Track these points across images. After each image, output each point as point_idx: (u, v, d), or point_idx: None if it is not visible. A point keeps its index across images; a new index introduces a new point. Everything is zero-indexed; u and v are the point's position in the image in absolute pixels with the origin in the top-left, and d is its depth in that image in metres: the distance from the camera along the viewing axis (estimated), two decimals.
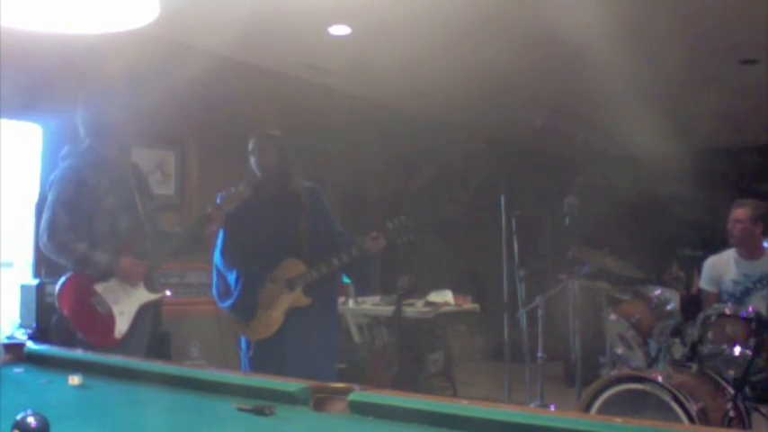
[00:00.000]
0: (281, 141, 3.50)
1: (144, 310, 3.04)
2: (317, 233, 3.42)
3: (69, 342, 2.86)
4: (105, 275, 2.96)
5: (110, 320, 2.94)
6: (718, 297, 4.17)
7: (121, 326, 2.95)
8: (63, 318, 2.97)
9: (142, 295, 3.03)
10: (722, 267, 4.19)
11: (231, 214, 3.30)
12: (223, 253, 3.44)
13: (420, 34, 4.84)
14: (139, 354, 2.91)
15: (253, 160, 3.45)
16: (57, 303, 3.01)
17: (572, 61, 5.26)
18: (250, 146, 3.47)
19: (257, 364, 3.34)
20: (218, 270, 3.45)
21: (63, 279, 2.99)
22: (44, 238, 2.92)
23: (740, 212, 4.05)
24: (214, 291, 3.48)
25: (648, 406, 3.26)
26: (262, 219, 3.39)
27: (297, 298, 3.31)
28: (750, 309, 3.59)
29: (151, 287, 3.08)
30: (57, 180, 2.99)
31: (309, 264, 3.33)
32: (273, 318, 3.30)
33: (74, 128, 3.14)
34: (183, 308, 4.37)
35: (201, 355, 4.57)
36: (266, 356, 3.32)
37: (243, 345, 3.46)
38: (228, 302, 3.39)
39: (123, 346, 2.91)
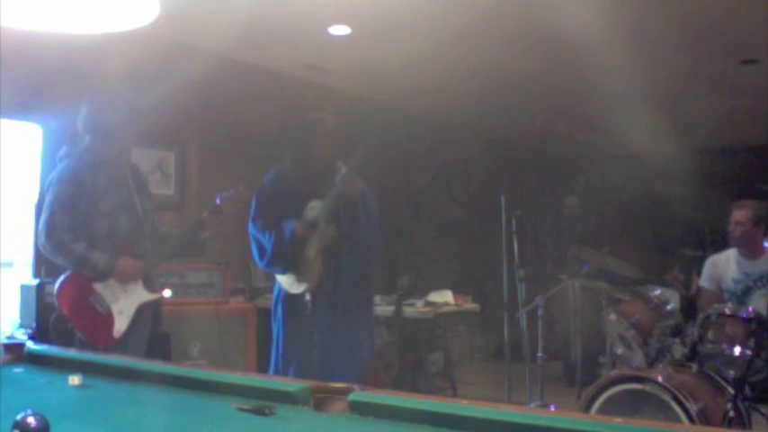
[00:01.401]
0: (340, 129, 3.56)
1: (143, 310, 3.04)
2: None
3: (68, 341, 2.87)
4: (103, 276, 2.96)
5: (108, 320, 2.94)
6: (717, 295, 4.17)
7: (120, 325, 2.95)
8: (62, 317, 2.98)
9: (141, 295, 3.04)
10: (723, 266, 4.19)
11: (267, 183, 3.44)
12: (255, 218, 3.49)
13: (420, 34, 4.83)
14: (139, 353, 2.92)
15: (307, 141, 3.47)
16: (56, 302, 3.01)
17: (572, 61, 5.26)
18: (307, 126, 3.50)
19: (315, 322, 3.35)
20: (253, 236, 3.50)
21: (62, 278, 2.99)
22: (42, 239, 2.92)
23: (740, 214, 4.05)
24: (255, 253, 3.51)
25: (648, 406, 3.26)
26: (296, 192, 3.43)
27: (324, 232, 3.35)
28: (750, 309, 3.59)
29: (150, 287, 3.08)
30: (54, 181, 2.99)
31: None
32: (311, 259, 3.35)
33: (73, 128, 3.15)
34: (182, 308, 4.37)
35: (201, 355, 4.57)
36: (323, 312, 3.36)
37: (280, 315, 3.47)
38: (266, 260, 3.45)
39: (122, 345, 2.92)
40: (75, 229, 2.93)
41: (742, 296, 4.05)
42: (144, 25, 2.59)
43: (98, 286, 2.96)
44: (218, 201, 3.26)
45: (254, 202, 3.51)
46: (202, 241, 3.29)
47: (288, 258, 3.39)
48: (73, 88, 4.08)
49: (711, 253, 4.39)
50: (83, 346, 2.84)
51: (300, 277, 3.40)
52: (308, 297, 3.36)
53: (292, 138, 3.55)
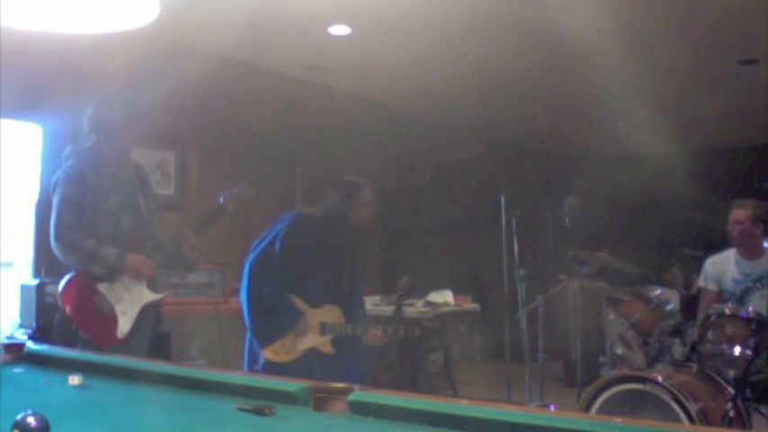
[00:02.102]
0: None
1: (146, 310, 3.04)
2: (356, 283, 3.50)
3: (72, 342, 2.87)
4: (112, 272, 2.95)
5: (112, 320, 2.94)
6: (719, 295, 4.17)
7: (124, 326, 2.95)
8: (66, 317, 2.98)
9: (145, 295, 3.04)
10: (723, 266, 4.19)
11: (295, 235, 3.31)
12: (269, 270, 3.32)
13: (420, 34, 4.83)
14: (141, 353, 2.92)
15: (352, 208, 3.44)
16: (59, 303, 3.01)
17: (572, 61, 5.26)
18: (354, 191, 3.47)
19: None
20: (252, 277, 3.34)
21: (65, 279, 2.99)
22: (51, 239, 2.93)
23: (740, 213, 4.05)
24: (244, 298, 3.37)
25: (648, 406, 3.26)
26: (324, 255, 3.38)
27: (324, 343, 3.33)
28: (750, 309, 3.59)
29: (154, 287, 3.08)
30: (61, 180, 3.00)
31: (346, 313, 3.38)
32: (296, 350, 3.29)
33: (74, 128, 3.15)
34: (182, 308, 4.37)
35: (201, 355, 4.57)
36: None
37: (258, 357, 3.40)
38: (257, 319, 3.33)
39: (125, 345, 2.92)
40: (83, 227, 2.93)
41: (741, 296, 4.05)
42: (144, 25, 2.59)
43: (102, 287, 2.96)
44: (221, 200, 3.25)
45: (279, 248, 3.31)
46: (191, 261, 3.27)
47: (275, 336, 3.30)
48: (73, 88, 4.09)
49: (711, 253, 4.38)
50: (84, 346, 2.84)
51: (278, 349, 3.30)
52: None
53: (331, 194, 3.47)
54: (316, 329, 3.32)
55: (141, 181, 3.21)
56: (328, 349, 3.33)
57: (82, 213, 2.94)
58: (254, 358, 3.37)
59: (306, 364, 3.25)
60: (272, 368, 3.22)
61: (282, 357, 3.28)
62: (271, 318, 3.29)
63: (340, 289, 3.40)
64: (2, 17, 2.28)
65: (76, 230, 2.91)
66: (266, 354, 3.30)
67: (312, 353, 3.31)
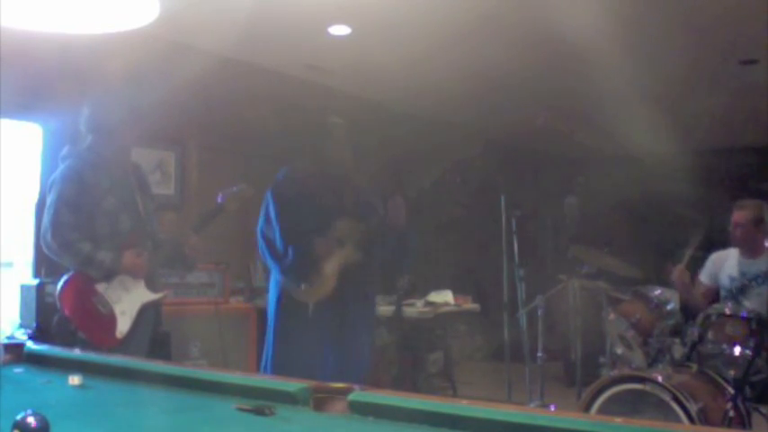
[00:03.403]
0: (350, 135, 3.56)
1: (145, 310, 3.04)
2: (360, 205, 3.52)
3: (70, 342, 2.86)
4: (108, 275, 2.95)
5: (111, 320, 2.94)
6: (712, 291, 4.18)
7: (123, 326, 2.95)
8: (64, 318, 2.97)
9: (143, 295, 3.03)
10: (723, 263, 4.20)
11: (281, 184, 3.38)
12: (274, 222, 3.42)
13: (420, 34, 4.83)
14: (141, 353, 2.91)
15: (323, 147, 3.48)
16: (58, 303, 3.01)
17: (572, 61, 5.26)
18: (324, 129, 3.51)
19: (315, 327, 3.34)
20: (266, 238, 3.46)
21: (64, 279, 2.99)
22: (47, 238, 2.91)
23: (740, 216, 4.05)
24: (266, 255, 3.47)
25: (648, 406, 3.26)
26: (315, 199, 3.42)
27: (347, 254, 3.34)
28: (750, 309, 3.59)
29: (152, 287, 3.08)
30: (57, 180, 2.99)
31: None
32: (327, 275, 3.33)
33: (75, 128, 3.15)
34: (183, 308, 4.37)
35: (201, 355, 4.57)
36: (326, 317, 3.34)
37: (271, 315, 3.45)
38: (281, 267, 3.41)
39: (124, 345, 2.92)
40: (79, 228, 2.93)
41: (737, 294, 4.06)
42: (144, 25, 2.58)
43: (100, 287, 2.95)
44: (220, 199, 3.24)
45: (270, 204, 3.46)
46: (192, 261, 3.28)
47: (304, 273, 3.36)
48: (73, 88, 4.08)
49: (711, 253, 4.38)
50: (84, 347, 2.84)
51: (309, 289, 3.36)
52: (310, 305, 3.35)
53: (308, 139, 3.52)
54: (334, 246, 3.34)
55: (139, 181, 3.21)
56: (355, 256, 3.35)
57: (79, 214, 2.93)
58: (297, 310, 3.37)
59: (348, 289, 3.31)
60: (319, 309, 3.26)
61: (322, 291, 3.32)
62: (290, 258, 3.37)
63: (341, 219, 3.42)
64: (2, 17, 2.28)
65: (73, 231, 2.91)
66: (307, 297, 3.33)
67: (347, 277, 3.32)
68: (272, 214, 3.45)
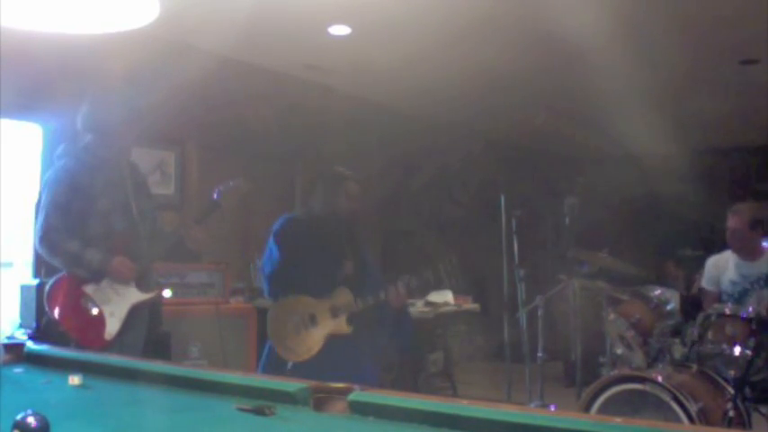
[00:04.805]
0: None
1: (136, 311, 3.01)
2: (363, 265, 3.47)
3: (62, 343, 2.86)
4: (97, 275, 2.94)
5: (99, 322, 2.92)
6: (719, 297, 4.17)
7: (111, 327, 2.93)
8: (53, 320, 2.97)
9: (133, 295, 3.01)
10: (722, 267, 4.19)
11: (289, 235, 3.30)
12: (275, 273, 3.35)
13: (420, 34, 4.83)
14: (135, 354, 2.90)
15: (336, 201, 3.41)
16: (45, 305, 2.99)
17: (572, 61, 5.26)
18: (336, 181, 3.44)
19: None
20: (267, 276, 3.40)
21: (52, 281, 2.98)
22: (36, 240, 2.93)
23: (735, 220, 4.04)
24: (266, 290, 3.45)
25: (648, 406, 3.26)
26: (321, 247, 3.36)
27: (339, 325, 3.29)
28: (750, 309, 3.59)
29: (143, 287, 3.06)
30: (51, 181, 2.99)
31: (357, 294, 3.34)
32: (314, 340, 3.26)
33: (74, 127, 3.14)
34: (182, 308, 4.36)
35: (201, 355, 4.56)
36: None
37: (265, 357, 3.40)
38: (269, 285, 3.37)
39: (118, 346, 2.90)
40: (70, 230, 2.92)
41: (739, 298, 4.05)
42: (144, 25, 2.58)
43: (88, 288, 2.94)
44: (215, 195, 3.22)
45: (276, 250, 3.34)
46: (195, 251, 3.27)
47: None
48: (73, 88, 4.07)
49: (711, 253, 4.38)
50: (77, 347, 2.83)
51: (288, 349, 3.27)
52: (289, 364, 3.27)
53: (321, 186, 3.46)
54: (327, 315, 3.29)
55: (137, 182, 3.19)
56: (345, 329, 3.28)
57: (69, 216, 2.93)
58: (277, 365, 3.31)
59: (330, 355, 3.22)
60: (301, 369, 3.16)
61: (304, 356, 3.25)
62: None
63: (341, 276, 3.37)
64: (2, 17, 2.28)
65: (61, 233, 2.90)
66: (286, 356, 3.27)
67: (333, 341, 3.27)
68: (273, 254, 3.36)
